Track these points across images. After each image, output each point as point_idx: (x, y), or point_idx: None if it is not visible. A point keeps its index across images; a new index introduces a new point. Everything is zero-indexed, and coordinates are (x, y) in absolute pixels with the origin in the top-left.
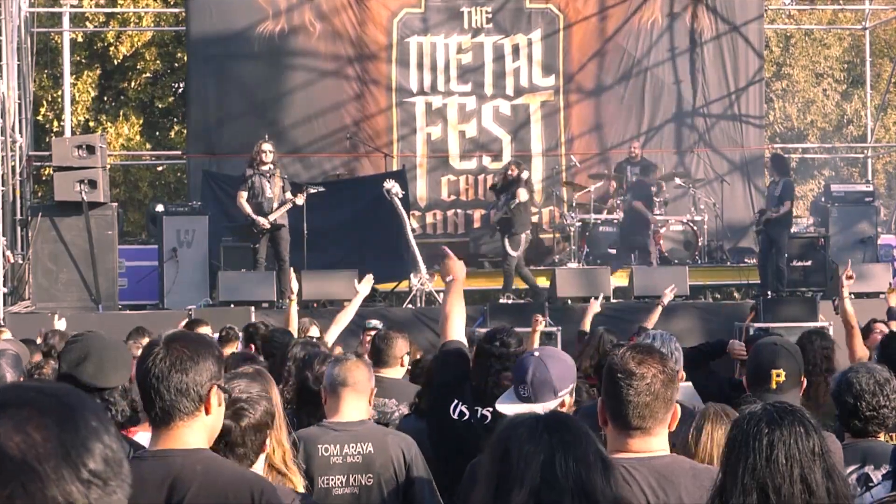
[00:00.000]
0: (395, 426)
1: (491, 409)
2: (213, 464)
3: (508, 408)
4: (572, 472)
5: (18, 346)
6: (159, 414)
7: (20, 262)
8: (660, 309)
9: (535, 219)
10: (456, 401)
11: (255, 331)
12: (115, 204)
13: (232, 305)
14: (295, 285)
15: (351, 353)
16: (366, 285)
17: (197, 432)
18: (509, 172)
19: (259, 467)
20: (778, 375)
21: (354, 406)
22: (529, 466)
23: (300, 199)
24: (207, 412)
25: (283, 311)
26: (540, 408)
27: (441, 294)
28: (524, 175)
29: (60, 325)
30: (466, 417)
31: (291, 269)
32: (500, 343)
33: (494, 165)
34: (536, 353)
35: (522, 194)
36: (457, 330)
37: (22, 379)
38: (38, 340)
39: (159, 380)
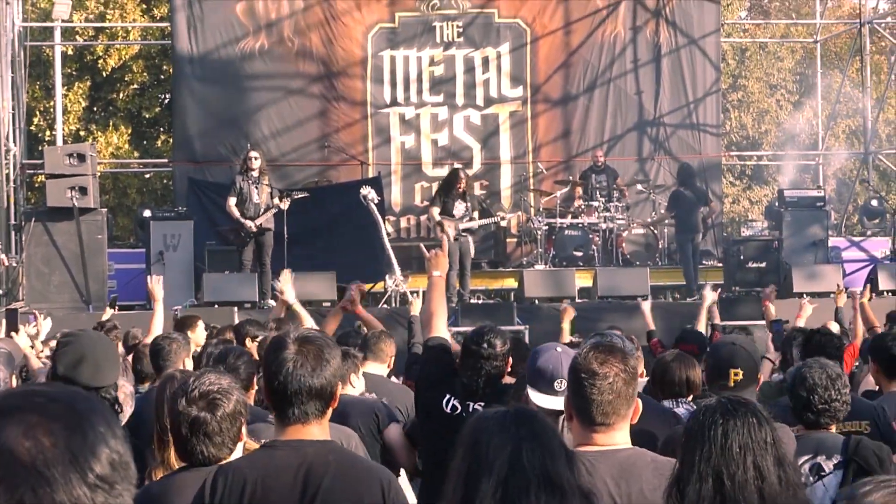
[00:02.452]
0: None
1: (482, 404)
2: (344, 455)
3: (548, 400)
4: (538, 462)
5: (10, 345)
6: (295, 414)
7: (14, 264)
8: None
9: (503, 223)
10: (448, 395)
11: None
12: (105, 209)
13: (216, 306)
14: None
15: None
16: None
17: (324, 426)
18: (459, 186)
19: (237, 456)
20: (736, 374)
21: None
22: (498, 457)
23: (285, 204)
24: (333, 406)
25: (265, 311)
26: None
27: (414, 294)
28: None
29: (46, 325)
30: (459, 411)
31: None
32: (487, 344)
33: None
34: (559, 349)
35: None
36: (441, 326)
37: (13, 376)
38: None
39: (301, 386)
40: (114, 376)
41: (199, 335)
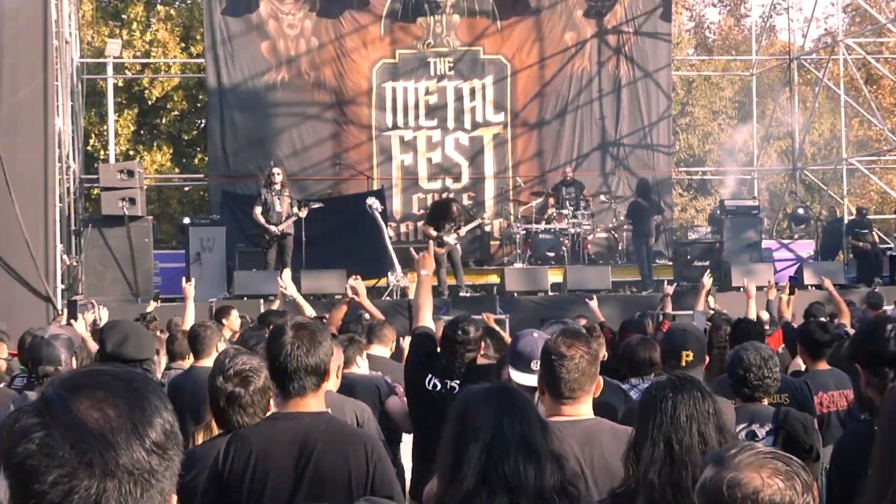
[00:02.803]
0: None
1: (458, 382)
2: (334, 424)
3: (525, 377)
4: (517, 430)
5: (71, 331)
6: (295, 389)
7: (74, 263)
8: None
9: (487, 228)
10: (429, 375)
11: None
12: (151, 217)
13: (245, 298)
14: (291, 287)
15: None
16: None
17: (319, 398)
18: (451, 216)
19: None
20: (687, 355)
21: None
22: (483, 425)
23: (303, 213)
24: (327, 380)
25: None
26: None
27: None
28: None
29: (103, 313)
30: (439, 388)
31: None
32: (462, 331)
33: (455, 186)
34: (536, 335)
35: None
36: (426, 317)
37: (73, 358)
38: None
39: (298, 364)
40: (151, 352)
41: (233, 321)
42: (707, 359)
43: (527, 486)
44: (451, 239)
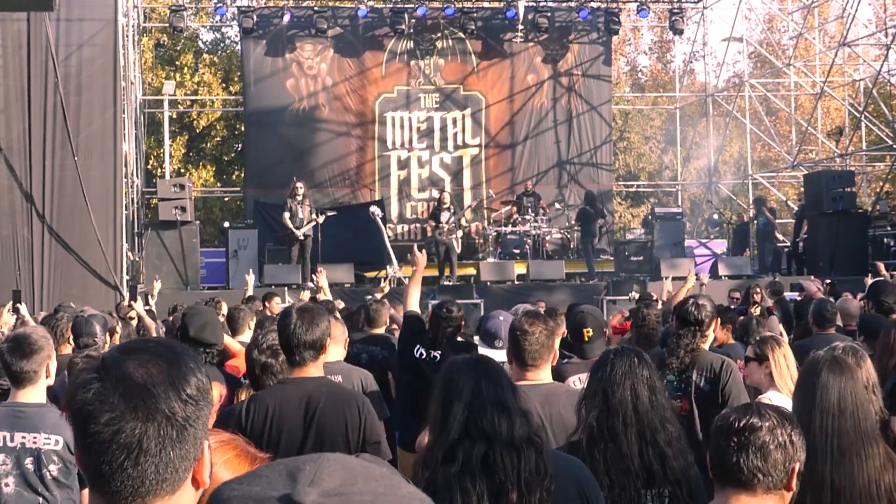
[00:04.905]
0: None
1: (440, 352)
2: (332, 386)
3: (492, 353)
4: (492, 391)
5: (133, 309)
6: (297, 360)
7: (137, 259)
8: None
9: (465, 229)
10: (417, 345)
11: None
12: (198, 222)
13: (273, 287)
14: (324, 281)
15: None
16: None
17: (319, 366)
18: (443, 202)
19: None
20: (588, 332)
21: (333, 352)
22: (465, 387)
23: (320, 219)
24: (325, 352)
25: (299, 290)
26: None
27: (407, 279)
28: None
29: (158, 284)
30: (425, 357)
31: (321, 271)
32: (446, 310)
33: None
34: (501, 318)
35: (467, 214)
36: (414, 303)
37: (107, 335)
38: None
39: (299, 339)
40: (221, 338)
41: (275, 306)
42: (606, 332)
43: (500, 437)
44: (452, 226)
